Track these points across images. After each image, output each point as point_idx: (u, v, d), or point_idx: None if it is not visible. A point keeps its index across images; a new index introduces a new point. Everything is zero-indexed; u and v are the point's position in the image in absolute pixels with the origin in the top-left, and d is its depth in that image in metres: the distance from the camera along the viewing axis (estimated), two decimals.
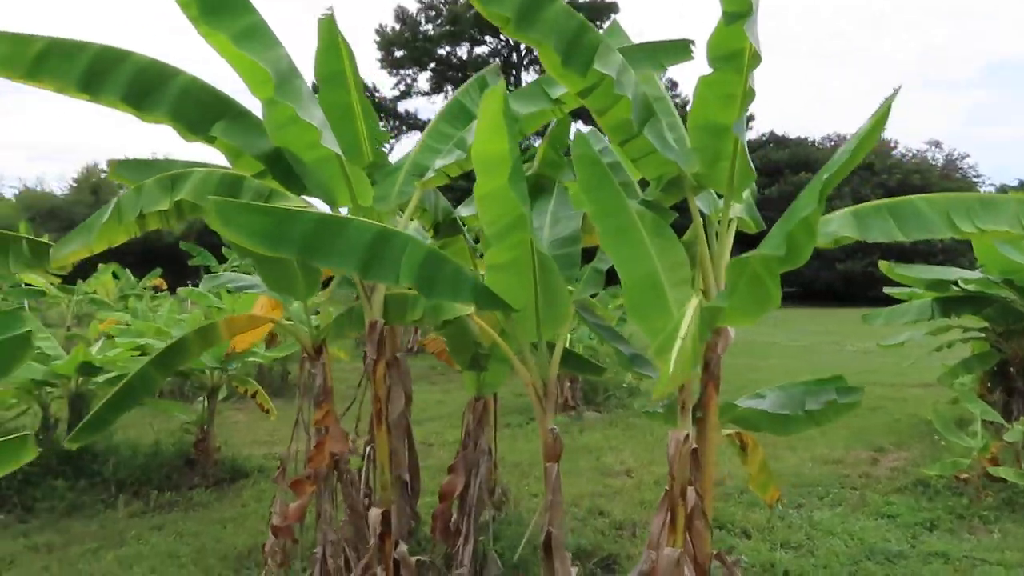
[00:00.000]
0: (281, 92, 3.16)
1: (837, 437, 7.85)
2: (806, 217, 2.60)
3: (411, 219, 3.79)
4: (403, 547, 3.75)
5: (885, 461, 7.14)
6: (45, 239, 4.15)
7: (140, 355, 7.13)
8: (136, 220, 3.90)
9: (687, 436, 3.16)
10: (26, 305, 16.63)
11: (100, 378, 6.78)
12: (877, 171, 39.85)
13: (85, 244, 3.94)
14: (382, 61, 43.22)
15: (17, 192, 45.05)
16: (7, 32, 3.03)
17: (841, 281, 36.60)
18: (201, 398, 7.23)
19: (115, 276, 19.24)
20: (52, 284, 17.89)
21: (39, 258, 4.07)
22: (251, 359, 7.16)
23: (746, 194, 4.06)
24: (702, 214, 3.59)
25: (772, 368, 13.86)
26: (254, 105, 3.43)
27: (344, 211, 3.86)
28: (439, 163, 3.66)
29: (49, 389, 7.00)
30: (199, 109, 3.33)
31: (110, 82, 3.17)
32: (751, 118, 46.09)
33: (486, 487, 5.52)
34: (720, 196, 3.55)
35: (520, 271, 3.14)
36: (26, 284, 13.99)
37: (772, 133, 45.39)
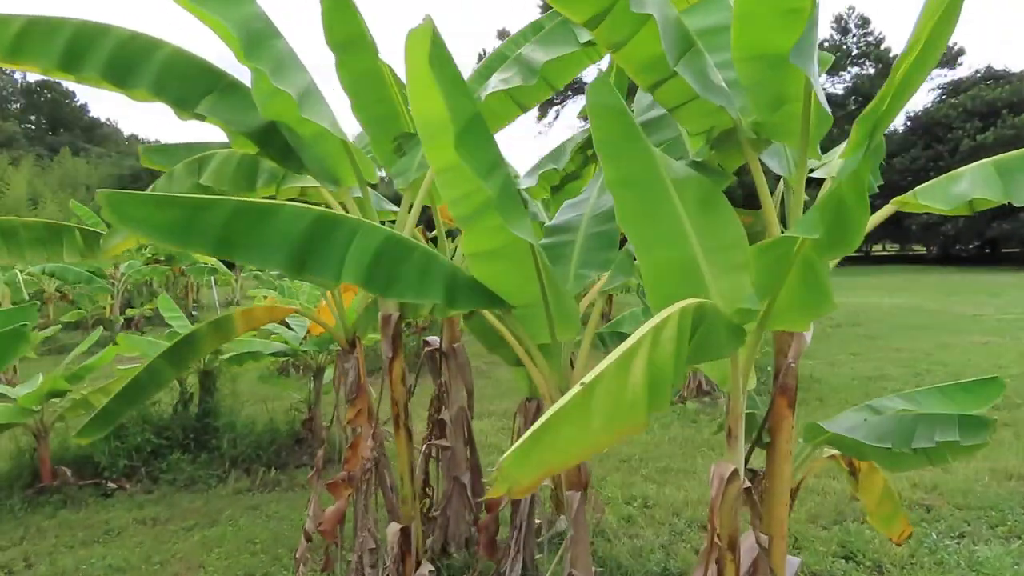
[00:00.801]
0: (252, 55, 2.79)
1: None
2: (855, 172, 1.78)
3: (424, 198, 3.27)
4: (426, 568, 3.34)
5: None
6: None
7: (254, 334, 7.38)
8: None
9: (734, 472, 2.41)
10: (213, 282, 18.38)
11: (225, 355, 7.08)
12: None
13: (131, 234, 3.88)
14: None
15: None
16: None
17: None
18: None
19: None
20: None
21: (91, 248, 4.10)
22: None
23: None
24: (775, 176, 2.77)
25: (967, 349, 11.79)
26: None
27: (355, 190, 3.46)
28: None
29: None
30: (184, 83, 3.04)
31: (90, 59, 2.96)
32: (960, 52, 39.88)
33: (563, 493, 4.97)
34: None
35: (518, 259, 2.53)
36: (203, 263, 15.34)
37: (989, 68, 39.04)
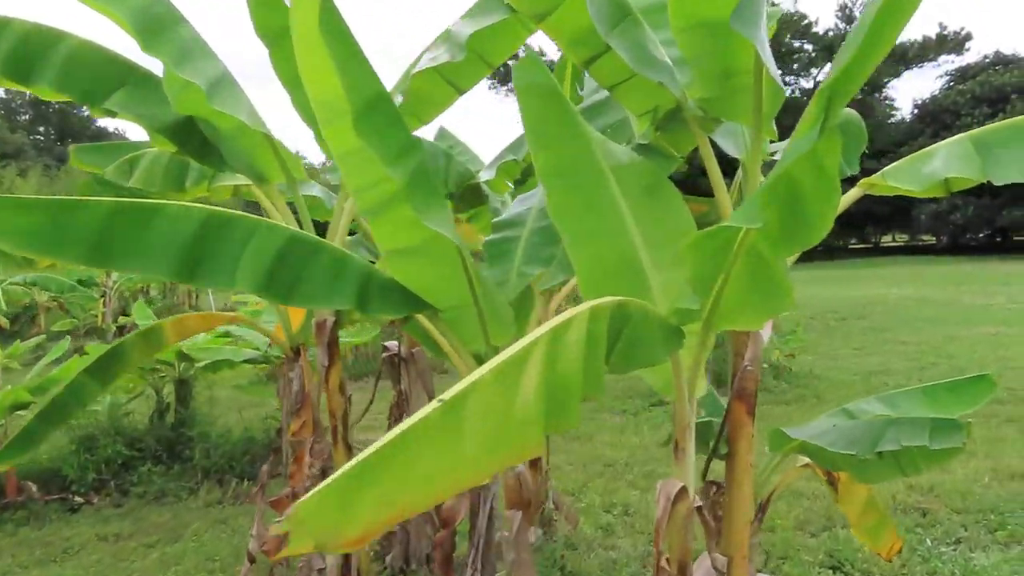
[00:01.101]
0: (153, 44, 2.56)
1: None
2: (811, 152, 1.53)
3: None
4: None
5: None
6: None
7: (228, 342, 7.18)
8: None
9: (683, 489, 2.15)
10: (210, 293, 18.18)
11: (200, 363, 6.90)
12: None
13: None
14: None
15: None
16: None
17: None
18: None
19: None
20: None
21: (28, 258, 3.89)
22: None
23: None
24: (725, 158, 2.51)
25: (975, 341, 11.45)
26: None
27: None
28: None
29: (161, 374, 7.24)
30: (92, 77, 2.81)
31: None
32: (968, 37, 39.31)
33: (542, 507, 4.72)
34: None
35: (440, 256, 2.28)
36: None
37: (997, 53, 38.52)
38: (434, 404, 1.15)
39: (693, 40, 2.15)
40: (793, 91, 47.54)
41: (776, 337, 9.60)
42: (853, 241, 48.04)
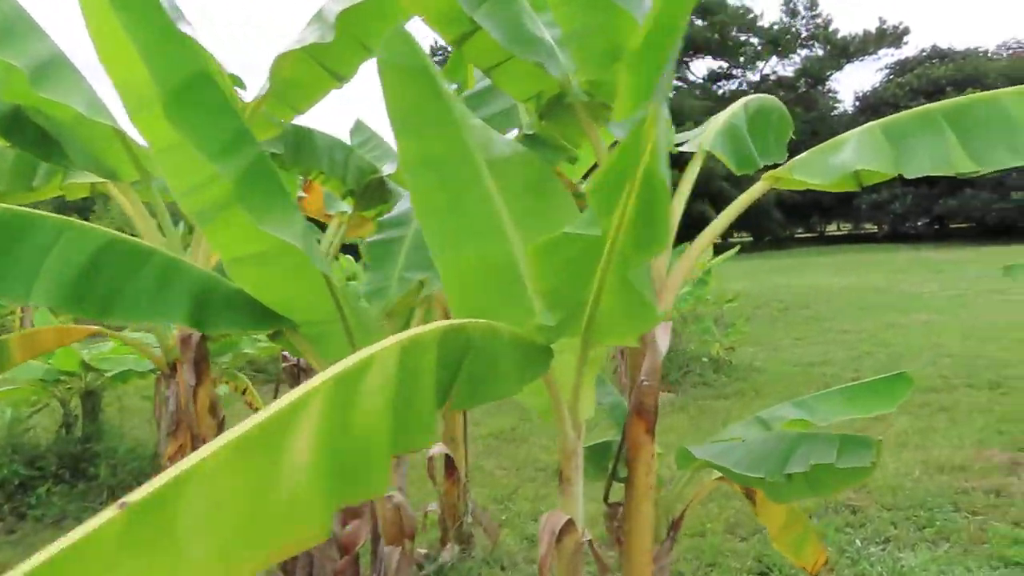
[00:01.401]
0: None
1: (969, 427, 5.99)
2: (640, 128, 1.29)
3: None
4: None
5: None
6: None
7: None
8: None
9: (569, 523, 1.91)
10: None
11: (108, 374, 6.47)
12: None
13: None
14: None
15: None
16: None
17: (1020, 213, 31.42)
18: None
19: None
20: None
21: None
22: (247, 350, 6.51)
23: (738, 115, 2.64)
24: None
25: (909, 329, 11.60)
26: None
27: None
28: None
29: (68, 385, 6.77)
30: None
31: None
32: (906, 32, 40.39)
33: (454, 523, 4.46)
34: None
35: (294, 264, 1.99)
36: None
37: (934, 47, 39.72)
38: (114, 510, 0.71)
39: (573, 14, 1.90)
40: (740, 84, 48.28)
41: (718, 330, 9.55)
42: (800, 231, 49.02)
